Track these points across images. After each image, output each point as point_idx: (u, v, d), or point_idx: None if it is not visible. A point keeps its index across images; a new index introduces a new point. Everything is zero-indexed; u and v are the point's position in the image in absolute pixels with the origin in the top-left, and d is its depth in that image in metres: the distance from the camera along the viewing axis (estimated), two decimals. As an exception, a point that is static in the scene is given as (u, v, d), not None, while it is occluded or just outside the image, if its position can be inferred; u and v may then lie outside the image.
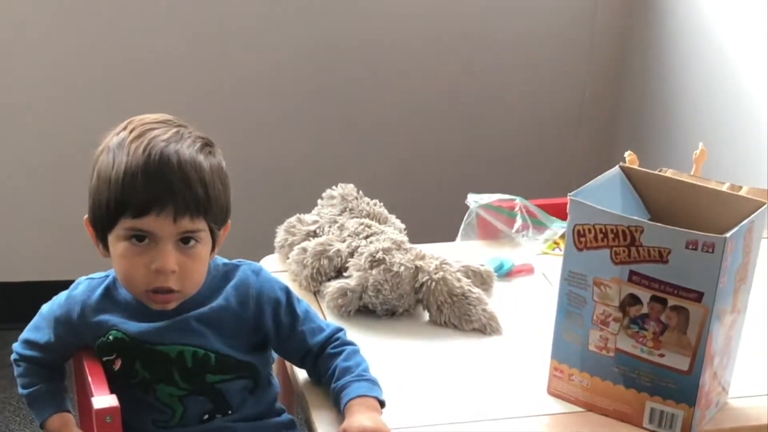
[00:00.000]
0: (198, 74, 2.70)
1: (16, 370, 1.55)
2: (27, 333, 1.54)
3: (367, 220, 1.83)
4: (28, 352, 1.53)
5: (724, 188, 1.59)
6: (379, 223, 1.84)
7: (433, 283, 1.69)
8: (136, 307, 1.45)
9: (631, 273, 1.38)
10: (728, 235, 1.31)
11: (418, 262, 1.71)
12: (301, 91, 2.75)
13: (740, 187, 1.69)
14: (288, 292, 1.49)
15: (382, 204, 1.90)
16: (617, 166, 1.52)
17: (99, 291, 1.48)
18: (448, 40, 2.76)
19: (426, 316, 1.72)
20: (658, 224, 1.36)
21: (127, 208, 1.35)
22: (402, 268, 1.69)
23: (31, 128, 2.71)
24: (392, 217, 1.89)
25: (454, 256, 1.80)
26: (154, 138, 1.36)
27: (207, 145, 1.41)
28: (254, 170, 2.73)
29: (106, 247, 1.42)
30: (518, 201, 1.96)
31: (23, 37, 2.62)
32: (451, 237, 1.98)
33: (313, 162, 2.78)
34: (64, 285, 1.54)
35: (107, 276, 1.49)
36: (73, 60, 2.67)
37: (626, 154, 1.64)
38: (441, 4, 2.74)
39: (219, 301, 1.45)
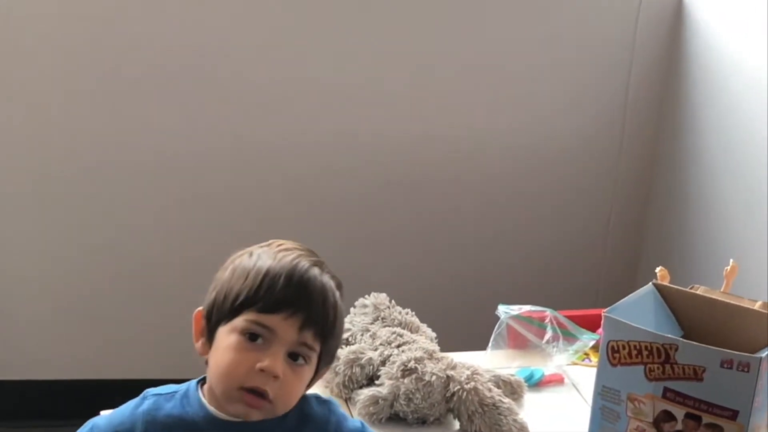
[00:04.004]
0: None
1: None
2: None
3: (399, 329, 1.85)
4: None
5: (756, 306, 1.60)
6: (411, 332, 1.86)
7: (465, 393, 1.70)
8: (203, 427, 1.43)
9: (666, 390, 1.39)
10: (763, 355, 1.33)
11: (450, 372, 1.72)
12: (333, 201, 2.76)
13: (771, 305, 1.70)
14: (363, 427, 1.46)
15: (413, 313, 1.92)
16: (650, 283, 1.54)
17: (166, 408, 1.44)
18: (478, 158, 2.79)
19: (457, 425, 1.73)
20: (693, 342, 1.38)
21: (258, 302, 1.33)
22: (434, 377, 1.70)
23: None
24: (424, 326, 1.91)
25: (485, 365, 1.81)
26: (301, 256, 1.38)
27: (341, 286, 1.43)
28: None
29: (209, 340, 1.39)
30: (548, 312, 1.98)
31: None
32: (481, 346, 1.98)
33: (345, 271, 2.79)
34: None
35: (176, 391, 1.45)
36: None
37: (657, 269, 1.65)
38: (468, 126, 2.77)
39: None
